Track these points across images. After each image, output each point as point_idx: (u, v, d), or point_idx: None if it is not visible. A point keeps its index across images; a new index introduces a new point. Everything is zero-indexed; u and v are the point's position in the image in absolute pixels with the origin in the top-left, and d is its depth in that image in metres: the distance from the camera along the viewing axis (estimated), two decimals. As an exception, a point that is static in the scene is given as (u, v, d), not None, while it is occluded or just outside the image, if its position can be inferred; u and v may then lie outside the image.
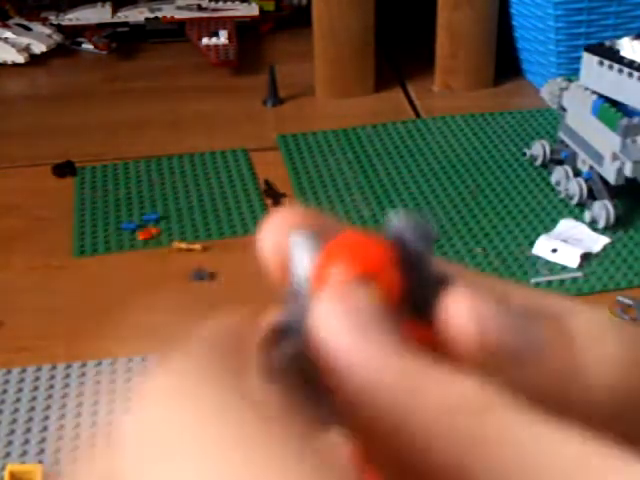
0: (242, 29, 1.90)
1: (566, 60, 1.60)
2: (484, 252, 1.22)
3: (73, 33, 1.90)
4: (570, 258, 1.19)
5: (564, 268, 1.18)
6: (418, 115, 1.61)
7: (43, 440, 0.94)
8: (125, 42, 1.90)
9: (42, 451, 0.92)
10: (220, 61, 1.74)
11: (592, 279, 1.16)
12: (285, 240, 0.22)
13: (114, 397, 0.99)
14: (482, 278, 0.23)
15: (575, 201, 1.30)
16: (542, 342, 0.21)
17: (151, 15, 1.90)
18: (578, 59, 1.34)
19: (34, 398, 0.99)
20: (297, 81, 1.72)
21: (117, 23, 1.91)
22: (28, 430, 0.95)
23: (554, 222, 1.28)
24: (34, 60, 1.81)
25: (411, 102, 1.66)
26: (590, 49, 1.27)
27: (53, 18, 1.90)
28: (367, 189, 1.38)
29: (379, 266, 0.20)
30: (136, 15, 1.91)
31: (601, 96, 1.25)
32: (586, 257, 1.20)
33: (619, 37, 1.30)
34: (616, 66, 1.22)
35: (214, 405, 0.19)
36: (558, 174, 1.34)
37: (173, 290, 1.16)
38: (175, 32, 1.90)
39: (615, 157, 1.22)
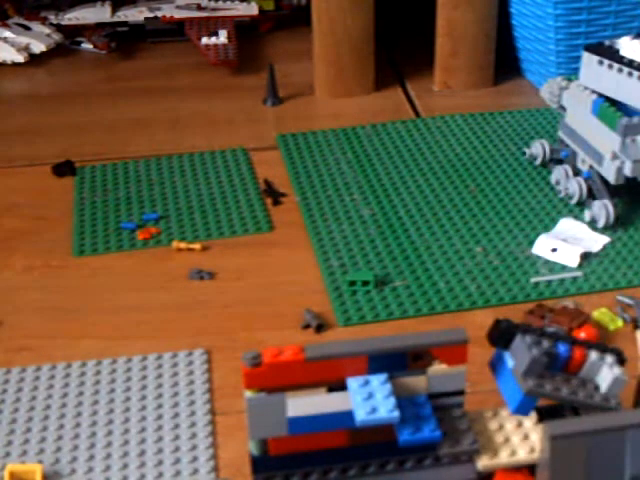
0: (242, 28, 1.90)
1: (566, 59, 1.60)
2: (484, 252, 1.22)
3: (72, 33, 1.90)
4: (570, 257, 1.19)
5: (564, 267, 1.18)
6: (418, 115, 1.61)
7: (43, 440, 0.94)
8: (124, 42, 1.90)
9: (42, 451, 0.92)
10: (220, 60, 1.74)
11: (592, 278, 1.16)
12: None
13: (114, 397, 0.99)
14: None
15: (575, 200, 1.30)
16: None
17: (150, 14, 1.90)
18: (578, 58, 1.34)
19: (34, 398, 0.99)
20: (297, 80, 1.72)
21: (116, 23, 1.91)
22: (28, 430, 0.95)
23: (554, 221, 1.28)
24: (33, 60, 1.81)
25: (411, 102, 1.66)
26: (590, 48, 1.27)
27: (52, 18, 1.90)
28: (367, 189, 1.38)
29: None
30: (135, 15, 1.91)
31: (601, 95, 1.25)
32: (586, 256, 1.20)
33: (619, 36, 1.30)
34: (616, 65, 1.22)
35: None
36: (558, 173, 1.34)
37: (173, 289, 1.16)
38: (174, 31, 1.90)
39: (615, 156, 1.22)
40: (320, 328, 1.08)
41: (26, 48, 1.81)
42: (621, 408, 0.74)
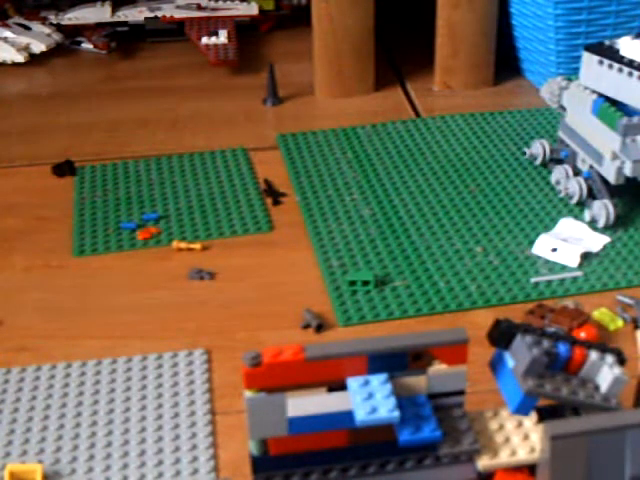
0: (242, 28, 1.90)
1: (566, 59, 1.60)
2: (484, 252, 1.22)
3: (72, 32, 1.90)
4: (570, 257, 1.19)
5: (564, 267, 1.18)
6: (418, 114, 1.61)
7: (43, 440, 0.94)
8: (124, 41, 1.90)
9: (42, 451, 0.92)
10: (220, 60, 1.74)
11: (592, 278, 1.16)
12: None
13: (114, 397, 0.99)
14: None
15: (575, 200, 1.30)
16: None
17: (150, 14, 1.90)
18: (578, 58, 1.34)
19: (34, 398, 0.99)
20: (297, 80, 1.72)
21: (116, 22, 1.91)
22: (28, 430, 0.95)
23: (554, 221, 1.28)
24: (34, 59, 1.81)
25: (411, 101, 1.66)
26: (590, 48, 1.27)
27: (52, 17, 1.90)
28: (367, 189, 1.38)
29: None
30: (135, 14, 1.91)
31: (601, 95, 1.25)
32: (586, 256, 1.20)
33: (619, 36, 1.30)
34: (616, 65, 1.22)
35: None
36: (558, 173, 1.34)
37: (173, 289, 1.16)
38: (174, 31, 1.90)
39: (615, 156, 1.22)
40: (320, 328, 1.08)
41: (26, 48, 1.81)
42: (621, 408, 0.74)
